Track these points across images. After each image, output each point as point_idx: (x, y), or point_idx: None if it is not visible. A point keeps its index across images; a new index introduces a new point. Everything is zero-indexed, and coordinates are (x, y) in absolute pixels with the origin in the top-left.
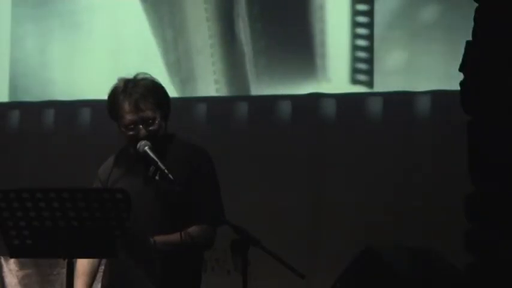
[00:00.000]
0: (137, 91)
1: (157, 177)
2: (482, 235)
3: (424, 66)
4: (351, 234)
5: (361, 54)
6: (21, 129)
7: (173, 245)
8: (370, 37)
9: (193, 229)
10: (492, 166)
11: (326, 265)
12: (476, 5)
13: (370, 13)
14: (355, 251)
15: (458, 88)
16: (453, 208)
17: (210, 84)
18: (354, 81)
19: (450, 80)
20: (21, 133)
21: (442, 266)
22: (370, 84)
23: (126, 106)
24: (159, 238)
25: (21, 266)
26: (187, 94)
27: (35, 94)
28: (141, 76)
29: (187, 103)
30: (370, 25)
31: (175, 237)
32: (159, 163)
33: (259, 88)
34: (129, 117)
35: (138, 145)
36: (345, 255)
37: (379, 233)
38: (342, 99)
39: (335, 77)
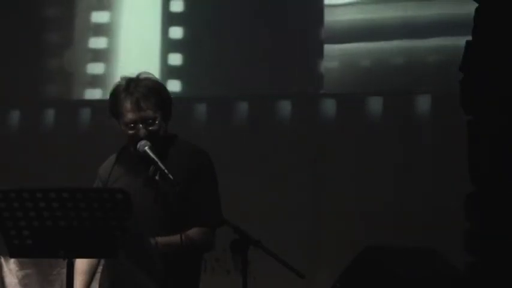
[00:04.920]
0: (139, 90)
1: (157, 177)
2: (482, 235)
3: None
4: (351, 234)
5: None
6: (21, 129)
7: (174, 247)
8: None
9: (193, 232)
10: (492, 166)
11: (326, 265)
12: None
13: None
14: (355, 251)
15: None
16: (453, 208)
17: None
18: None
19: None
20: (21, 133)
21: (442, 266)
22: None
23: (127, 105)
24: (161, 239)
25: (21, 266)
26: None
27: None
28: (143, 75)
29: (187, 103)
30: None
31: (175, 239)
32: (159, 163)
33: None
34: (129, 116)
35: (138, 145)
36: (345, 255)
37: (379, 233)
38: (342, 99)
39: None
